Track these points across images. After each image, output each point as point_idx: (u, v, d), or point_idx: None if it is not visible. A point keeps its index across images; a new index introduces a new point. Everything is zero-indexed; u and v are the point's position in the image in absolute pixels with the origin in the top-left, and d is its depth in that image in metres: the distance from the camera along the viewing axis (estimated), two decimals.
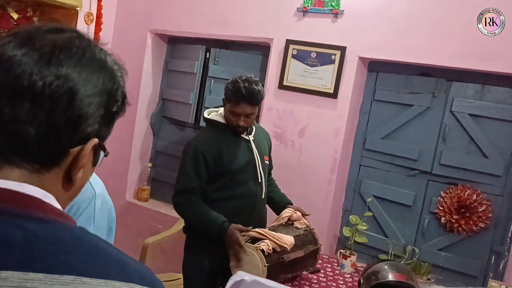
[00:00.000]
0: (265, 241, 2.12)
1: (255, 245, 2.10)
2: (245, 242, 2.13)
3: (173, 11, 3.46)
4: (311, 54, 2.93)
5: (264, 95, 2.31)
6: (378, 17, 2.74)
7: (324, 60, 2.89)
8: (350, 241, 2.66)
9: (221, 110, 2.40)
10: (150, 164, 3.75)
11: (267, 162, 2.48)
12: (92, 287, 0.52)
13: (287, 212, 2.39)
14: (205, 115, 2.41)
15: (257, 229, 2.17)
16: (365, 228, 2.65)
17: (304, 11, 2.95)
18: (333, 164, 2.89)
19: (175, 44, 3.71)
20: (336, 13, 2.85)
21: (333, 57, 2.87)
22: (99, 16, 3.10)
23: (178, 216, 3.34)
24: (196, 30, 3.36)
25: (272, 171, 2.64)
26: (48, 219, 0.55)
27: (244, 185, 2.34)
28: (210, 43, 3.44)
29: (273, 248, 2.11)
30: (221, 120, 2.35)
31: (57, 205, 0.59)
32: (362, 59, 2.85)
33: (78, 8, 2.89)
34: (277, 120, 3.05)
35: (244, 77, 2.25)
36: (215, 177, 2.30)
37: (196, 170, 2.26)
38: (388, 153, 2.88)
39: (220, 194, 2.31)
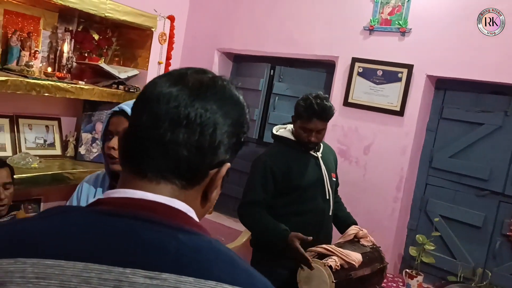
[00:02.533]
0: (333, 257, 2.14)
1: (323, 261, 2.12)
2: (313, 258, 2.16)
3: (240, 30, 3.58)
4: (377, 72, 2.94)
5: (334, 111, 2.35)
6: (447, 35, 2.72)
7: (391, 78, 2.90)
8: (417, 260, 2.63)
9: (289, 126, 2.46)
10: None
11: (334, 179, 2.50)
12: None
13: (353, 229, 2.39)
14: (274, 131, 2.47)
15: (324, 245, 2.19)
16: (432, 248, 2.60)
17: (370, 30, 2.98)
18: (399, 181, 2.87)
19: (240, 62, 3.83)
20: (403, 32, 2.85)
21: (400, 75, 2.87)
22: (171, 36, 3.26)
23: (241, 229, 3.43)
24: (262, 48, 3.46)
25: (337, 189, 2.65)
26: (193, 231, 0.64)
27: (312, 201, 2.37)
28: (275, 61, 3.53)
29: (340, 265, 2.13)
30: (290, 136, 2.40)
31: (197, 219, 0.69)
32: (429, 77, 2.83)
33: (153, 29, 3.06)
34: (342, 137, 3.07)
35: (314, 94, 2.31)
36: (283, 192, 2.34)
37: (263, 184, 2.31)
38: (456, 172, 2.82)
39: (288, 209, 2.35)
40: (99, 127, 3.03)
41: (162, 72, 3.14)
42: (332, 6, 3.16)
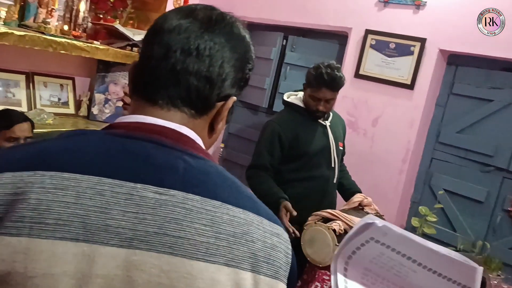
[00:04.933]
0: (337, 221, 2.20)
1: (327, 224, 2.19)
2: (317, 221, 2.22)
3: None
4: (390, 45, 2.95)
5: (344, 82, 2.37)
6: (462, 10, 2.71)
7: (403, 51, 2.91)
8: (418, 231, 2.68)
9: (300, 94, 2.49)
10: (222, 145, 3.92)
11: (341, 148, 2.55)
12: (234, 213, 0.64)
13: (358, 197, 2.45)
14: (285, 97, 2.50)
15: (329, 210, 2.25)
16: (434, 220, 2.65)
17: (385, 2, 2.97)
18: (405, 154, 2.91)
19: (253, 30, 3.82)
20: (418, 5, 2.85)
21: (412, 48, 2.88)
22: (186, 1, 3.27)
23: None
24: (275, 17, 3.46)
25: (344, 158, 2.70)
26: (199, 156, 0.68)
27: (317, 169, 2.42)
28: (288, 31, 3.54)
29: (344, 229, 2.19)
30: (300, 104, 2.44)
31: (203, 147, 0.72)
32: (442, 51, 2.83)
33: None
34: (351, 109, 3.10)
35: (326, 63, 2.33)
36: (291, 159, 2.39)
37: (270, 149, 2.36)
38: (462, 148, 2.86)
39: (294, 175, 2.41)
40: (112, 88, 3.08)
41: None
42: None
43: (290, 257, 0.68)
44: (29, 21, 2.59)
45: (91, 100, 3.07)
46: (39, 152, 0.63)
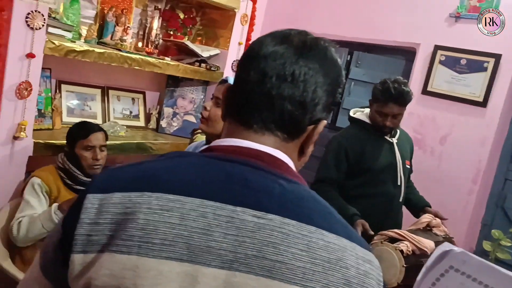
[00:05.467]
0: (405, 242, 2.14)
1: (394, 244, 2.13)
2: (384, 241, 2.17)
3: (319, 14, 3.59)
4: (461, 61, 2.86)
5: (412, 97, 2.32)
6: None
7: (475, 67, 2.81)
8: (490, 256, 2.56)
9: (367, 110, 2.46)
10: None
11: (408, 166, 2.48)
12: (328, 239, 0.64)
13: (426, 218, 2.37)
14: (351, 114, 2.49)
15: (396, 230, 2.19)
16: (509, 244, 2.52)
17: (456, 17, 2.89)
18: (476, 174, 2.79)
19: None
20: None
21: (485, 64, 2.77)
22: (253, 17, 3.33)
23: None
24: (341, 33, 3.45)
25: (410, 175, 2.63)
26: (293, 180, 0.69)
27: (382, 186, 2.38)
28: (353, 46, 3.51)
29: (412, 250, 2.12)
30: (367, 120, 2.41)
31: (295, 170, 0.73)
32: None
33: (236, 10, 3.15)
34: (418, 126, 3.02)
35: (393, 78, 2.30)
36: (355, 174, 2.37)
37: (337, 163, 2.35)
38: None
39: (357, 191, 2.37)
40: (180, 102, 3.19)
41: (242, 52, 3.22)
42: None
43: (382, 284, 0.68)
44: (107, 39, 2.74)
45: (160, 114, 3.20)
46: (145, 173, 0.67)
